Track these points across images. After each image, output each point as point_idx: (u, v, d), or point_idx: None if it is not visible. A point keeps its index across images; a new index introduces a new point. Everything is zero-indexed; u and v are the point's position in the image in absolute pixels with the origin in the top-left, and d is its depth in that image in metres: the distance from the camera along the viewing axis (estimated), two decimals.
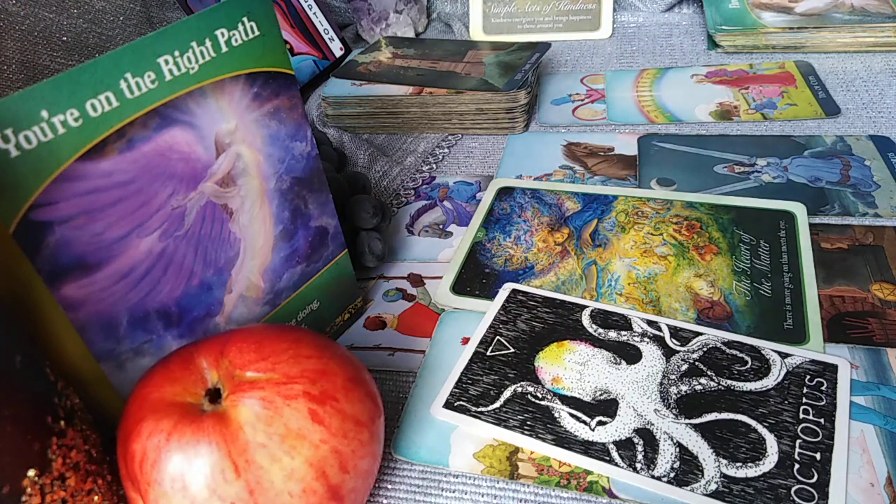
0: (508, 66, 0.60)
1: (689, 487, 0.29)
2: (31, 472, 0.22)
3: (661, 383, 0.34)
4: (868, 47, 0.62)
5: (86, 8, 0.60)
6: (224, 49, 0.28)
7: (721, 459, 0.30)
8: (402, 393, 0.36)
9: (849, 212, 0.44)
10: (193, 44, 0.26)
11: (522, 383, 0.35)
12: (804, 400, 0.33)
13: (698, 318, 0.38)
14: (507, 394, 0.35)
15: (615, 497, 0.30)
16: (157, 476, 0.24)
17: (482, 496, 0.31)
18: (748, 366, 0.34)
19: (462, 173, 0.54)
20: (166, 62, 0.26)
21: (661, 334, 0.37)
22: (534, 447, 0.32)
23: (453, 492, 0.31)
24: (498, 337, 0.38)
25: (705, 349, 0.36)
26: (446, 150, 0.57)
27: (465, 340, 0.38)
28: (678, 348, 0.36)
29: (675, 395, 0.33)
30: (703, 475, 0.30)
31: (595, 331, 0.37)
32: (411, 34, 0.77)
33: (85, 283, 0.26)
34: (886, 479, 0.29)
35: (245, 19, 0.28)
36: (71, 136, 0.23)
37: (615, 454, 0.31)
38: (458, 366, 0.36)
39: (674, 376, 0.34)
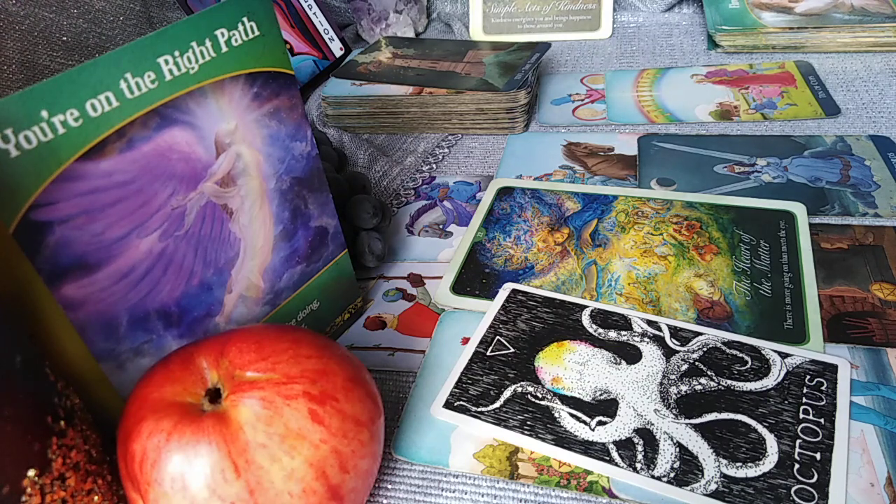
0: (508, 66, 0.60)
1: (689, 487, 0.29)
2: (31, 472, 0.22)
3: (661, 383, 0.34)
4: (868, 47, 0.62)
5: (86, 8, 0.60)
6: (224, 49, 0.28)
7: (721, 459, 0.30)
8: (402, 393, 0.36)
9: (849, 212, 0.44)
10: (193, 44, 0.26)
11: (522, 383, 0.35)
12: (804, 400, 0.33)
13: (698, 318, 0.38)
14: (507, 394, 0.34)
15: (615, 497, 0.30)
16: (157, 476, 0.24)
17: (482, 496, 0.31)
18: (748, 366, 0.34)
19: (462, 173, 0.54)
20: (166, 62, 0.26)
21: (661, 334, 0.37)
22: (534, 447, 0.32)
23: (453, 492, 0.31)
24: (498, 337, 0.38)
25: (705, 349, 0.36)
26: (446, 150, 0.57)
27: (465, 340, 0.38)
28: (678, 348, 0.36)
29: (675, 395, 0.33)
30: (703, 475, 0.30)
31: (595, 331, 0.37)
32: (411, 34, 0.77)
33: (85, 283, 0.26)
34: (886, 479, 0.29)
35: (245, 19, 0.28)
36: (71, 136, 0.23)
37: (615, 454, 0.31)
38: (458, 366, 0.36)
39: (674, 376, 0.34)
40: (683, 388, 0.34)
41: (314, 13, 0.72)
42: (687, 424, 0.32)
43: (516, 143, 0.57)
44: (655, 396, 0.33)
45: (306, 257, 0.36)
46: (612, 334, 0.37)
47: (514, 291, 0.41)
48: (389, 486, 0.32)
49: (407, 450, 0.33)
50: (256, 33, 0.29)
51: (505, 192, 0.50)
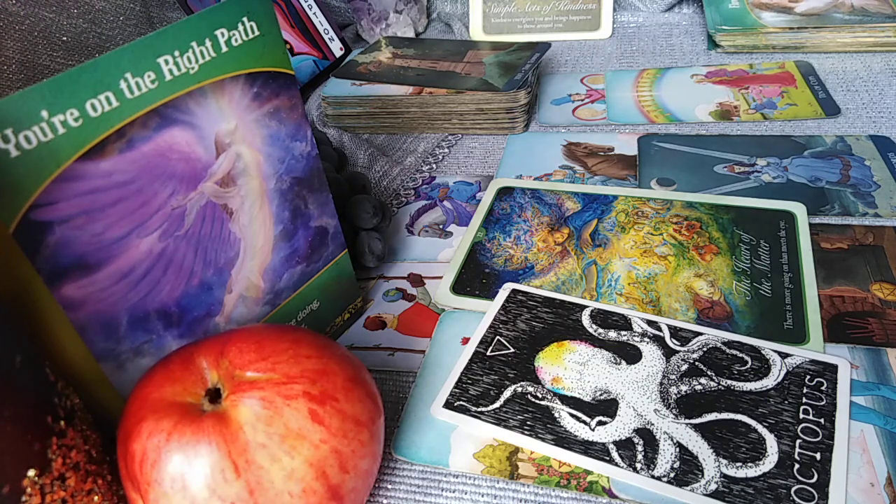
0: (508, 66, 0.60)
1: (689, 487, 0.29)
2: (31, 472, 0.22)
3: (661, 383, 0.34)
4: (868, 47, 0.62)
5: (86, 8, 0.60)
6: (224, 49, 0.28)
7: (721, 459, 0.30)
8: (402, 393, 0.36)
9: (849, 212, 0.44)
10: (193, 44, 0.26)
11: (522, 383, 0.35)
12: (804, 400, 0.33)
13: (698, 318, 0.38)
14: (507, 394, 0.35)
15: (615, 497, 0.30)
16: (157, 476, 0.24)
17: (482, 496, 0.31)
18: (748, 366, 0.34)
19: (462, 173, 0.54)
20: (166, 62, 0.26)
21: (661, 334, 0.37)
22: (534, 447, 0.32)
23: (453, 492, 0.31)
24: (498, 337, 0.38)
25: (705, 349, 0.36)
26: (446, 150, 0.57)
27: (465, 340, 0.38)
28: (678, 348, 0.36)
29: (675, 395, 0.33)
30: (703, 475, 0.30)
31: (595, 331, 0.37)
32: (411, 34, 0.77)
33: (85, 283, 0.26)
34: (886, 479, 0.29)
35: (245, 19, 0.28)
36: (71, 136, 0.23)
37: (615, 454, 0.31)
38: (458, 366, 0.36)
39: (674, 376, 0.34)
40: (683, 388, 0.34)
41: (314, 13, 0.72)
42: (687, 424, 0.32)
43: (516, 143, 0.57)
44: (655, 396, 0.33)
45: (306, 257, 0.36)
46: (612, 334, 0.37)
47: (514, 291, 0.41)
48: (389, 486, 0.32)
49: (407, 450, 0.33)
50: (256, 33, 0.29)
51: (505, 192, 0.50)
